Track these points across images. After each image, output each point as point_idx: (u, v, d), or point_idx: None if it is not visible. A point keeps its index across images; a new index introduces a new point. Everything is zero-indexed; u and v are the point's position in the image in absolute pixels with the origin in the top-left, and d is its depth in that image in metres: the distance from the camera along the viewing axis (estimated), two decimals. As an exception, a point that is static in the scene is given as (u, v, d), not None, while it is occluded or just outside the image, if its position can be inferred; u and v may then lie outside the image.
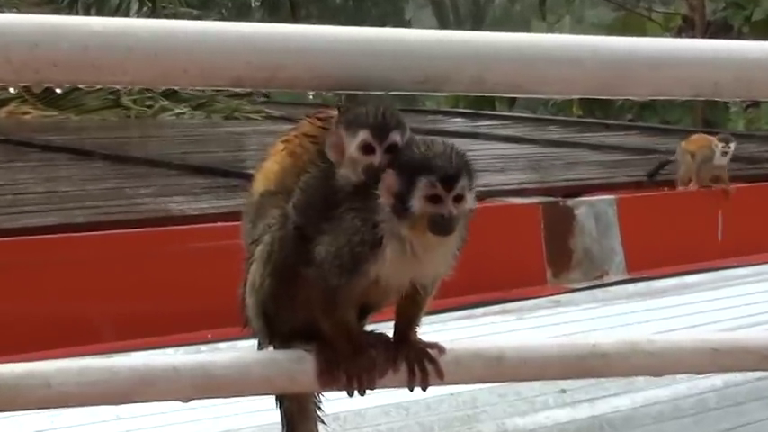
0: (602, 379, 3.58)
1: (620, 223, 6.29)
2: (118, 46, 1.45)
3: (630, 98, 1.85)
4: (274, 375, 1.58)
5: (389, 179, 1.49)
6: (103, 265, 4.96)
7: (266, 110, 11.47)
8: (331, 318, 1.57)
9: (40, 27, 1.43)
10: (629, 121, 14.18)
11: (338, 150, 1.56)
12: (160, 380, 1.53)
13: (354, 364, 1.57)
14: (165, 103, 11.46)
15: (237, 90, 9.60)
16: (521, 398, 3.92)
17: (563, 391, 3.95)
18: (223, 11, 22.31)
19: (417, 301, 1.60)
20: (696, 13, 15.90)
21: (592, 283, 6.00)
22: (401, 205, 1.48)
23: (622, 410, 3.95)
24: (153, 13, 13.59)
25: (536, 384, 3.82)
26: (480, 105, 14.27)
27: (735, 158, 7.06)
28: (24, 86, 8.34)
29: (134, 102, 11.28)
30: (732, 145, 6.88)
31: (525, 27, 19.48)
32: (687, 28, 16.12)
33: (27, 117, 10.73)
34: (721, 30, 15.27)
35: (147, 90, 10.76)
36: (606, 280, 6.09)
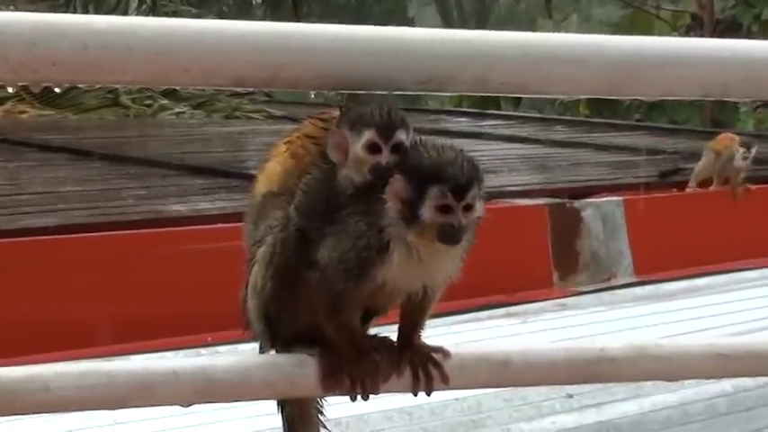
0: (610, 383, 3.56)
1: (628, 225, 6.26)
2: (118, 45, 1.44)
3: (638, 98, 1.83)
4: (276, 379, 1.57)
5: (398, 184, 1.47)
6: (102, 267, 4.94)
7: (267, 109, 11.41)
8: (335, 322, 1.55)
9: (38, 25, 1.42)
10: (637, 120, 14.12)
11: (341, 150, 1.54)
12: (160, 384, 1.51)
13: (358, 368, 1.55)
14: (165, 102, 11.39)
15: (238, 89, 9.58)
16: (527, 403, 3.90)
17: (570, 395, 3.93)
18: (224, 8, 22.29)
19: (422, 304, 1.59)
20: (705, 12, 15.86)
21: (599, 286, 5.97)
22: (409, 212, 1.47)
23: (630, 416, 3.93)
24: (153, 11, 13.53)
25: (542, 389, 3.80)
26: (485, 105, 14.24)
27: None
28: (22, 85, 8.32)
29: (133, 101, 11.20)
30: (753, 150, 6.86)
31: (531, 25, 19.46)
32: (696, 26, 16.08)
33: (24, 116, 10.69)
34: (730, 28, 15.23)
35: (147, 89, 10.70)
36: (614, 283, 6.07)
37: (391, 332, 1.63)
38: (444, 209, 1.47)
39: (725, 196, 6.82)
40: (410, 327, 1.61)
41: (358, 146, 1.52)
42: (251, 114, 11.25)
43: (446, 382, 1.59)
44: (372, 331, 1.64)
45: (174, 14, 13.03)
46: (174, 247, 5.15)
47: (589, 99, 14.62)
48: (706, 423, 3.95)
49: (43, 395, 1.47)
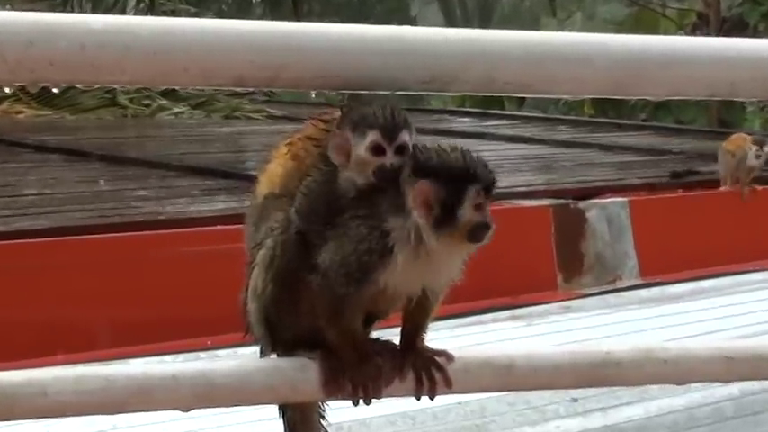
0: (615, 387, 3.53)
1: (634, 226, 6.23)
2: (116, 44, 1.43)
3: (644, 98, 1.81)
4: (277, 384, 1.55)
5: (427, 188, 1.46)
6: (100, 270, 4.92)
7: (268, 109, 11.36)
8: (336, 326, 1.54)
9: (35, 25, 1.41)
10: (643, 120, 14.08)
11: (343, 152, 1.53)
12: (159, 388, 1.50)
13: (360, 372, 1.54)
14: (164, 102, 11.32)
15: (239, 89, 9.54)
16: (531, 407, 3.88)
17: (574, 399, 3.90)
18: (223, 7, 22.27)
19: (425, 307, 1.58)
20: (711, 10, 15.81)
21: (604, 289, 5.95)
22: (442, 215, 1.46)
23: (635, 420, 3.90)
24: (151, 11, 13.45)
25: (546, 393, 3.77)
26: (489, 104, 14.21)
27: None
28: (19, 85, 8.29)
29: (131, 101, 11.13)
30: (766, 148, 6.82)
31: (534, 24, 19.42)
32: (702, 25, 16.03)
33: (21, 116, 10.62)
34: (737, 26, 15.18)
35: (145, 89, 10.64)
36: (619, 285, 6.04)
37: (394, 336, 1.61)
38: (479, 207, 1.48)
39: (731, 197, 6.78)
40: (413, 330, 1.60)
41: (361, 148, 1.51)
42: (251, 114, 11.21)
43: (449, 386, 1.58)
44: (375, 334, 1.63)
45: (173, 13, 12.97)
46: (174, 250, 5.13)
47: (594, 99, 14.59)
48: (713, 427, 3.91)
49: (41, 400, 1.46)
